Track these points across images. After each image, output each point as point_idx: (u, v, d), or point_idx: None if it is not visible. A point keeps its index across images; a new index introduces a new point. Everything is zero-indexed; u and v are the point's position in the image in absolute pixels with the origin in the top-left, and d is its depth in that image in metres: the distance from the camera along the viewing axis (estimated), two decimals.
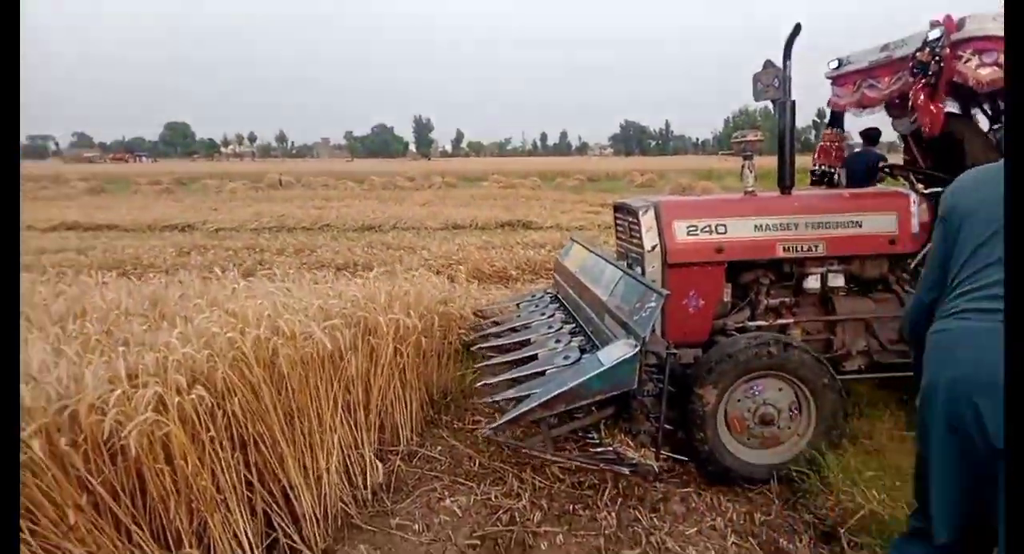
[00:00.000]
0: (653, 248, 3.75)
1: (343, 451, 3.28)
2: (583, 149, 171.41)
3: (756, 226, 3.80)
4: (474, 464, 3.72)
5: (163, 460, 2.48)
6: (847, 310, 3.99)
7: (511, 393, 3.36)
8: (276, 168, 45.41)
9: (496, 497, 3.38)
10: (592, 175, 37.97)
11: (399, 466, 3.68)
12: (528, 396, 3.10)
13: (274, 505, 2.89)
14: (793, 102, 3.90)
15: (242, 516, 2.68)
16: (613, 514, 3.24)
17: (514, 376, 3.58)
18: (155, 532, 2.50)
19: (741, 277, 3.98)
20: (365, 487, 3.34)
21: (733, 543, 3.04)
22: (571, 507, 3.30)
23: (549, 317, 4.31)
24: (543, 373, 3.36)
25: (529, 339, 4.06)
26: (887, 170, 4.48)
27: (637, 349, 2.89)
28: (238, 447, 2.85)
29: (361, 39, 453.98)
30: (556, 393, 2.92)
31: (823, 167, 4.79)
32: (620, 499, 3.38)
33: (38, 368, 2.51)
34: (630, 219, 4.02)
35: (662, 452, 3.09)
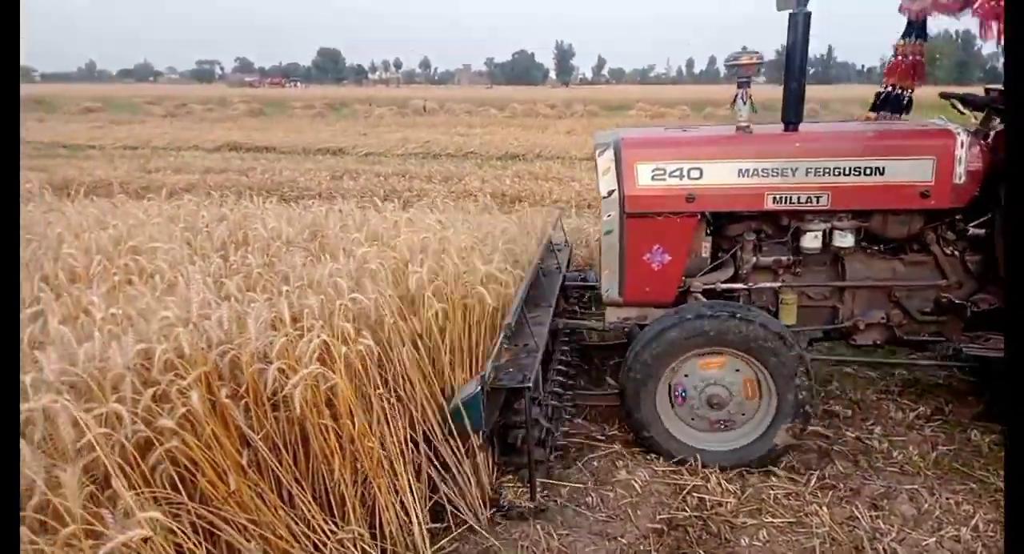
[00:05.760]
0: (610, 193, 3.12)
1: None
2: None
3: (740, 171, 3.06)
4: None
5: (328, 416, 2.22)
6: (859, 274, 3.23)
7: None
8: (420, 94, 45.70)
9: (679, 473, 2.96)
10: None
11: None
12: None
13: (440, 470, 2.60)
14: (808, 14, 2.99)
15: (407, 480, 2.39)
16: (824, 508, 2.73)
17: None
18: (316, 495, 2.26)
19: (727, 229, 3.30)
20: None
21: None
22: (771, 494, 2.83)
23: None
24: None
25: None
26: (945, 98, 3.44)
27: None
28: (406, 403, 2.57)
29: None
30: None
31: (893, 89, 3.72)
32: (830, 491, 2.86)
33: (199, 307, 2.29)
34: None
35: None
